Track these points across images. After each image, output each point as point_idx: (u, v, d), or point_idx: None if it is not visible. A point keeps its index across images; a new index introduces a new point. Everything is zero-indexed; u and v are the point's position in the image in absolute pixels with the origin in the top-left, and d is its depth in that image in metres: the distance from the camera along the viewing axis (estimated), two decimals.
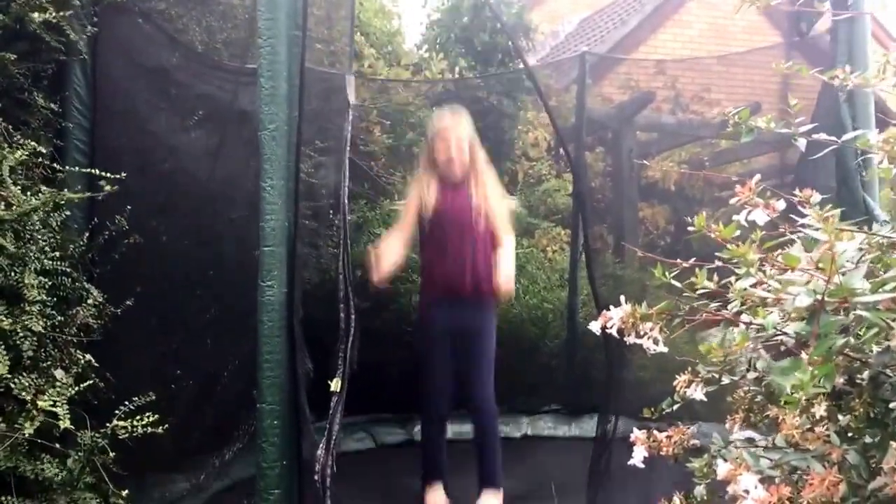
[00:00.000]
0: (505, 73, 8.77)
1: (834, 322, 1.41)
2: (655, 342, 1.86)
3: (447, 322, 4.99)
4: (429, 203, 5.00)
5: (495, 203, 5.07)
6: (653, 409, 2.08)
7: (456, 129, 5.04)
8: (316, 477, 3.20)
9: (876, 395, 1.59)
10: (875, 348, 1.56)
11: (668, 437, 1.90)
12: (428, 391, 5.13)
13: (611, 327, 1.89)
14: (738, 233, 1.72)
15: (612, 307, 1.90)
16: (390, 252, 4.80)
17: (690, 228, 1.80)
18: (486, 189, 5.06)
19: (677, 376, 1.91)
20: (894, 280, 1.41)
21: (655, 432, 1.91)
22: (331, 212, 6.06)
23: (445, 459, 5.14)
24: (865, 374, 1.62)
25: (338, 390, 3.28)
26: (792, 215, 1.73)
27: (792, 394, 1.41)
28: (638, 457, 1.90)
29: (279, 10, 3.20)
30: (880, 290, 1.41)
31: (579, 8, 17.67)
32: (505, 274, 4.86)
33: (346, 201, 3.59)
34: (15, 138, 3.71)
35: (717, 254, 1.74)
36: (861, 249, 1.60)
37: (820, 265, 1.46)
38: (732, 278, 1.72)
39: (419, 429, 6.19)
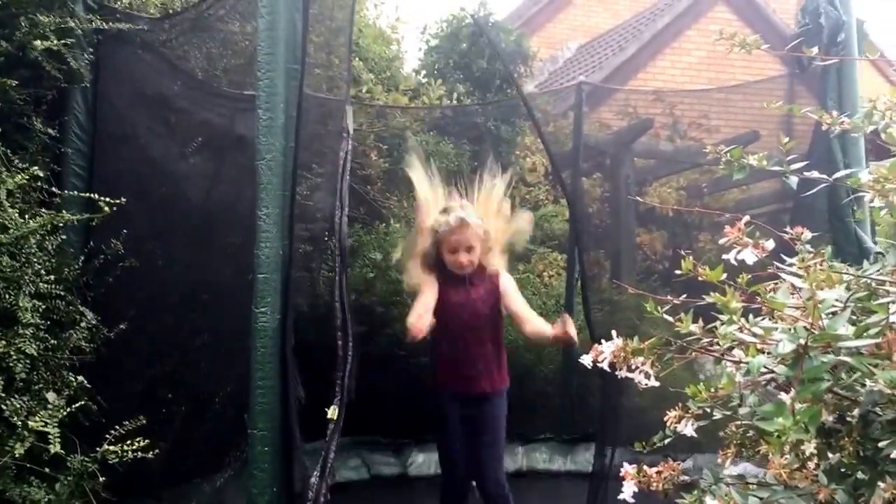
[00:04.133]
0: (503, 99, 8.82)
1: (819, 367, 1.42)
2: (647, 376, 1.86)
3: (458, 410, 4.71)
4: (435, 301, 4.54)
5: (510, 291, 4.74)
6: (644, 443, 2.08)
7: (465, 235, 4.56)
8: None
9: (866, 434, 1.59)
10: (868, 383, 1.56)
11: (658, 472, 1.90)
12: (446, 468, 4.87)
13: (602, 361, 1.90)
14: (725, 275, 1.73)
15: (603, 340, 1.91)
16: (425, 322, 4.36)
17: (678, 272, 1.81)
18: (504, 281, 4.74)
19: (670, 410, 1.92)
20: (877, 325, 1.42)
21: (646, 467, 1.91)
22: (325, 235, 6.06)
23: None
24: (856, 413, 1.63)
25: (335, 418, 3.29)
26: (784, 254, 1.75)
27: (777, 437, 1.42)
28: (628, 492, 1.90)
29: (278, 44, 3.24)
30: (864, 335, 1.42)
31: (578, 35, 17.78)
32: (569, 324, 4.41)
33: (345, 229, 3.60)
34: (14, 162, 3.73)
35: (704, 296, 1.75)
36: (850, 290, 1.61)
37: (805, 307, 1.47)
38: (718, 323, 1.73)
39: (412, 460, 6.20)
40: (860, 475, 1.58)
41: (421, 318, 4.25)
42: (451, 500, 4.87)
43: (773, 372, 1.58)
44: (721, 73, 12.47)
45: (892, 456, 1.51)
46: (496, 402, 4.80)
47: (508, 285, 4.77)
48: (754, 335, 1.57)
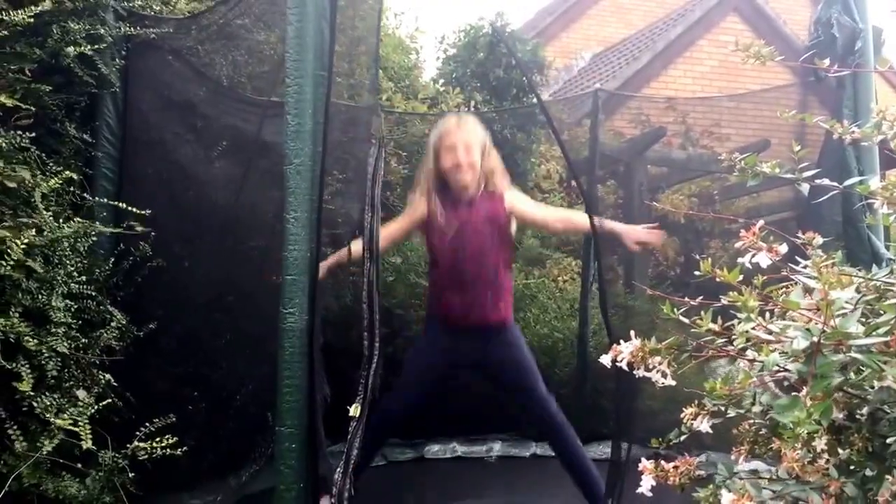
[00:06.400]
0: (519, 107, 8.89)
1: (831, 363, 1.50)
2: (664, 375, 1.94)
3: (454, 345, 4.57)
4: (439, 223, 4.50)
5: (523, 204, 4.67)
6: (660, 440, 2.15)
7: (463, 132, 4.50)
8: (333, 500, 3.28)
9: (874, 431, 1.67)
10: (876, 384, 1.63)
11: (675, 467, 1.97)
12: (392, 397, 4.61)
13: (621, 361, 1.98)
14: (740, 277, 1.81)
15: (622, 341, 1.99)
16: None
17: (697, 273, 1.89)
18: (510, 196, 4.61)
19: (684, 408, 1.99)
20: (886, 325, 1.50)
21: (663, 462, 1.97)
22: (345, 241, 6.13)
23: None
24: (865, 410, 1.70)
25: (357, 415, 3.37)
26: (797, 257, 1.83)
27: (791, 429, 1.49)
28: (646, 486, 1.98)
29: (306, 52, 3.31)
30: (873, 333, 1.50)
31: (592, 44, 17.85)
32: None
33: (376, 233, 3.66)
34: (48, 166, 3.84)
35: (721, 296, 1.84)
36: (860, 292, 1.70)
37: (818, 308, 1.55)
38: (736, 321, 1.81)
39: (428, 448, 6.27)
40: (869, 471, 1.65)
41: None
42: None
43: (786, 370, 1.66)
44: (733, 83, 12.51)
45: None
46: (509, 338, 4.63)
47: (515, 199, 4.65)
48: (770, 333, 1.66)
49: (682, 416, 1.97)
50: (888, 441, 1.64)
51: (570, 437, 4.62)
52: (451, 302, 4.56)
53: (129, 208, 4.09)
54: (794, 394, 1.57)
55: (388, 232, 4.52)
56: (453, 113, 4.59)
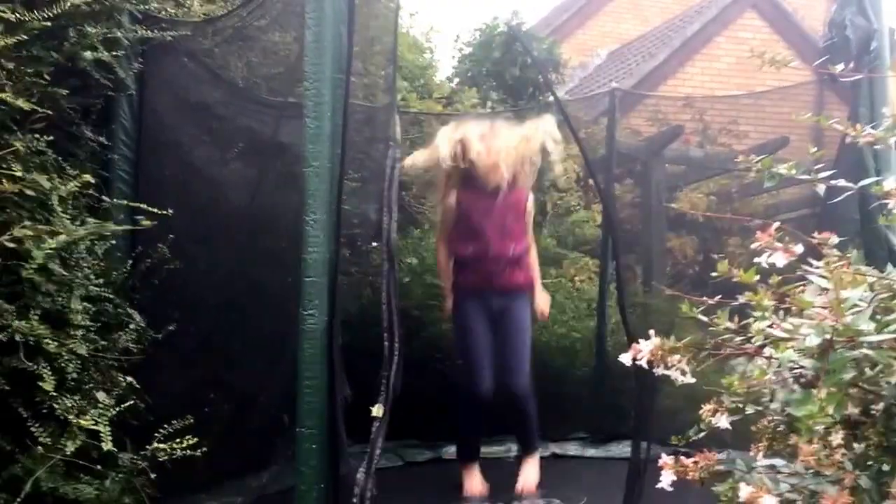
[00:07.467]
0: (535, 106, 8.87)
1: (844, 358, 1.51)
2: (683, 373, 1.95)
3: (484, 309, 5.17)
4: (468, 201, 5.14)
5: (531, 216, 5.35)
6: (680, 437, 2.16)
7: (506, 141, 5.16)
8: (355, 500, 3.29)
9: (889, 426, 1.68)
10: (891, 380, 1.64)
11: (695, 462, 1.97)
12: (470, 366, 5.20)
13: (640, 359, 1.99)
14: (757, 277, 1.82)
15: (641, 340, 2.00)
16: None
17: (713, 274, 1.89)
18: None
19: (703, 406, 2.00)
20: None
21: (683, 458, 1.99)
22: (359, 241, 6.16)
23: (481, 443, 5.39)
24: (880, 406, 1.71)
25: (380, 416, 3.38)
26: (810, 259, 1.84)
27: (805, 423, 1.51)
28: (666, 481, 1.98)
29: (325, 55, 3.34)
30: (884, 330, 1.51)
31: (608, 41, 17.81)
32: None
33: (394, 235, 3.69)
34: (65, 169, 3.85)
35: (738, 295, 1.85)
36: (874, 290, 1.70)
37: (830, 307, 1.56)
38: (752, 319, 1.82)
39: (446, 450, 6.28)
40: (885, 466, 1.66)
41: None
42: (472, 423, 5.31)
43: (801, 367, 1.66)
44: (750, 80, 12.42)
45: None
46: (521, 302, 5.30)
47: (532, 209, 5.39)
48: (784, 330, 1.67)
49: (700, 412, 1.98)
50: None
51: (532, 408, 5.28)
52: (474, 270, 5.21)
53: (147, 207, 4.09)
54: (809, 389, 1.58)
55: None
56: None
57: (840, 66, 2.25)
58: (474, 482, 5.21)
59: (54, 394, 3.30)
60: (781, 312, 1.79)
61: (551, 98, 8.51)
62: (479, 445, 5.36)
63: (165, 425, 3.72)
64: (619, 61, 16.14)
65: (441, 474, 5.46)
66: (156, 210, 4.09)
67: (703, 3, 15.30)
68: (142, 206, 4.10)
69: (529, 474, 5.28)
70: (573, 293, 8.25)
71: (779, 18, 14.50)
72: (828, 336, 1.51)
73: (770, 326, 1.74)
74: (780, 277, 1.85)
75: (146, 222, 4.09)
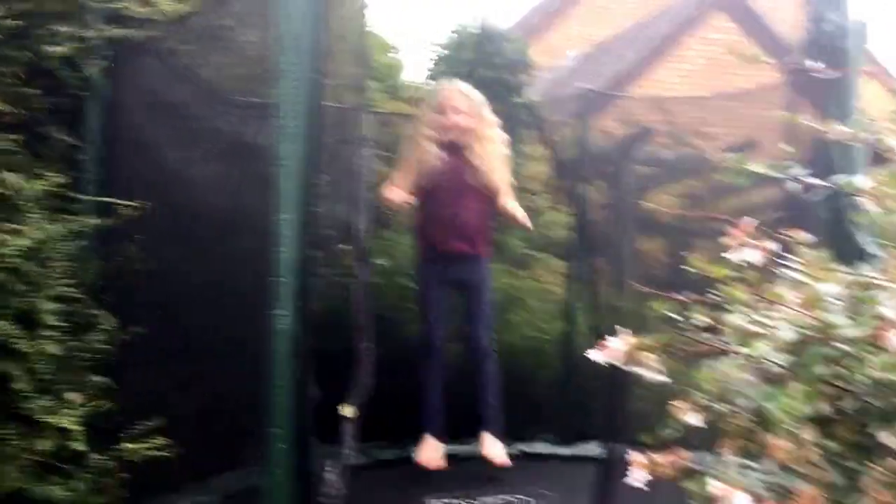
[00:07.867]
0: (505, 107, 8.87)
1: (817, 353, 1.52)
2: (655, 372, 1.95)
3: (444, 275, 5.35)
4: (429, 168, 5.25)
5: (498, 168, 5.51)
6: (650, 435, 2.17)
7: (460, 97, 5.41)
8: (325, 499, 3.29)
9: (860, 422, 1.69)
10: (864, 375, 1.65)
11: (666, 458, 1.98)
12: (425, 325, 5.43)
13: (609, 356, 1.98)
14: (732, 273, 1.83)
15: (610, 337, 2.00)
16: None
17: (685, 267, 1.90)
18: (489, 154, 5.46)
19: (671, 404, 2.00)
20: (871, 316, 1.53)
21: (652, 454, 1.98)
22: (331, 242, 6.14)
23: (441, 412, 5.41)
24: (850, 403, 1.72)
25: (350, 416, 3.38)
26: (785, 255, 1.85)
27: (778, 418, 1.52)
28: (636, 478, 1.98)
29: (296, 53, 3.33)
30: (858, 324, 1.52)
31: (577, 43, 17.84)
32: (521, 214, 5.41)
33: (365, 236, 3.69)
34: (35, 169, 3.83)
35: (708, 289, 1.85)
36: (848, 287, 1.72)
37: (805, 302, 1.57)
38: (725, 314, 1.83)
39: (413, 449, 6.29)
40: (856, 465, 1.67)
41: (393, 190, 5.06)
42: (433, 379, 5.39)
43: (773, 362, 1.67)
44: (722, 80, 12.53)
45: (883, 442, 1.61)
46: (483, 268, 5.53)
47: (501, 173, 5.57)
48: (758, 325, 1.68)
49: (671, 410, 1.98)
50: (872, 432, 1.66)
51: (491, 366, 5.44)
52: (433, 236, 5.38)
53: (118, 201, 4.07)
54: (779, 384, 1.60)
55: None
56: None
57: (811, 63, 2.27)
58: (428, 450, 5.27)
59: (26, 394, 3.28)
60: (753, 309, 1.80)
61: (520, 99, 8.54)
62: (437, 412, 5.41)
63: (134, 424, 3.71)
64: (588, 63, 16.20)
65: (411, 473, 5.43)
66: (125, 203, 4.07)
67: (673, 5, 15.37)
68: (111, 200, 4.09)
69: (495, 446, 5.34)
70: (542, 295, 8.26)
71: (748, 19, 14.59)
72: (805, 331, 1.52)
73: (748, 322, 1.74)
74: (755, 272, 1.85)
75: (121, 213, 4.07)
